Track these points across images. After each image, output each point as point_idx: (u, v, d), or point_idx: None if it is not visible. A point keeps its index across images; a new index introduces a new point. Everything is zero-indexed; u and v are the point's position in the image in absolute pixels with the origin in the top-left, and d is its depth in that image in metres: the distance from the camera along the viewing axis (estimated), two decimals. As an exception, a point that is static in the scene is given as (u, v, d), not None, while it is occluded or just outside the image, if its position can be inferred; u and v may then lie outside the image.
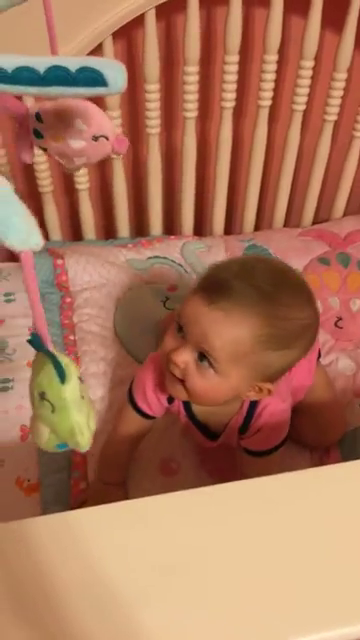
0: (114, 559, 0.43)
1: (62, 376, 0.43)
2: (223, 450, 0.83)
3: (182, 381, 0.62)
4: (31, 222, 0.35)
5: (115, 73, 0.42)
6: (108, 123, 0.53)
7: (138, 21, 0.92)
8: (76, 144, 0.52)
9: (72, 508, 0.72)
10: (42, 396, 0.44)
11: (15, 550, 0.44)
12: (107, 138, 0.53)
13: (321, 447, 0.84)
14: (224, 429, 0.72)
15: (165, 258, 1.13)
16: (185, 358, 0.61)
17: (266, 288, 0.59)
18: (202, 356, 0.60)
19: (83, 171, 1.07)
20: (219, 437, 0.74)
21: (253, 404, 0.69)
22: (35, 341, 0.43)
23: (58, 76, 0.41)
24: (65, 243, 1.16)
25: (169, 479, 0.79)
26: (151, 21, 0.92)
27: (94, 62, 0.42)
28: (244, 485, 0.51)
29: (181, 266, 1.12)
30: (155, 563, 0.43)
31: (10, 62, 0.40)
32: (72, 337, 0.96)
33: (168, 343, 0.63)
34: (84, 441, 0.40)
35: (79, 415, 0.39)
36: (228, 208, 1.21)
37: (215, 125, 1.10)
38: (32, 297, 0.37)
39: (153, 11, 0.91)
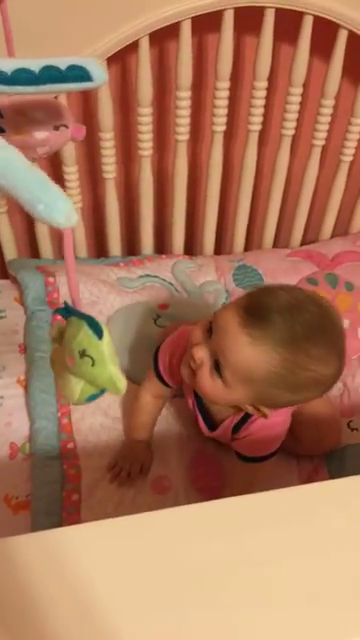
0: (103, 576, 0.43)
1: (100, 333, 0.54)
2: (214, 469, 0.83)
3: (194, 371, 0.66)
4: (70, 203, 0.42)
5: (97, 69, 0.49)
6: (67, 112, 0.59)
7: (132, 47, 0.94)
8: (40, 135, 0.57)
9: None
10: (82, 353, 0.54)
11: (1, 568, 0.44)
12: (67, 126, 0.58)
13: (313, 456, 0.85)
14: (222, 422, 0.76)
15: (156, 277, 1.14)
16: (202, 356, 0.65)
17: (300, 333, 0.60)
18: (217, 364, 0.64)
19: (75, 190, 1.08)
20: (218, 428, 0.77)
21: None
22: (70, 308, 0.54)
23: (51, 75, 0.47)
24: (57, 261, 1.17)
25: (161, 496, 0.79)
26: (145, 47, 0.94)
27: (78, 60, 0.48)
28: (234, 502, 0.51)
29: (172, 285, 1.13)
30: (145, 580, 0.43)
31: (7, 65, 0.45)
32: (63, 354, 0.97)
33: (196, 335, 0.67)
34: (122, 385, 0.50)
35: (115, 366, 0.48)
36: (218, 228, 1.23)
37: (206, 148, 1.12)
38: (69, 268, 0.47)
39: (147, 38, 0.93)
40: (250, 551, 0.46)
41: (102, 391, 0.54)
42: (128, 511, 0.75)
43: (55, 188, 0.44)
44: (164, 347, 0.79)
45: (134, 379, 0.94)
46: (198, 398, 0.77)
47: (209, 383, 0.65)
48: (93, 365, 0.54)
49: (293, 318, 0.60)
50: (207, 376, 0.65)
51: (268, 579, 0.44)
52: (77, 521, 0.73)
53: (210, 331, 0.65)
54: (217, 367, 0.64)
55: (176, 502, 0.79)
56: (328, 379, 0.64)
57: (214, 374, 0.64)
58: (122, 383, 0.50)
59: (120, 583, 0.43)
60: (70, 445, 0.83)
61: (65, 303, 0.56)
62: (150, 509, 0.75)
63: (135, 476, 0.80)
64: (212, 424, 0.78)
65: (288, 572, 0.45)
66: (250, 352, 0.60)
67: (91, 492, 0.78)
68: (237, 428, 0.73)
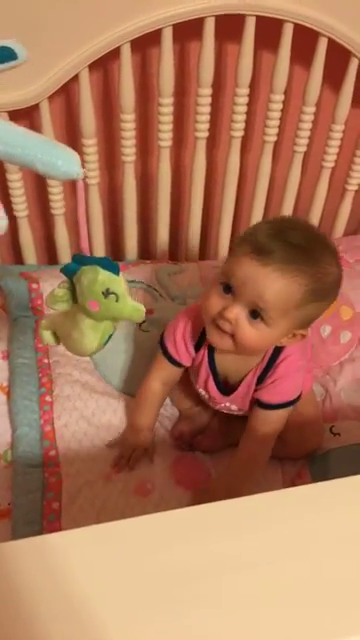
0: (88, 583, 0.43)
1: (117, 270, 0.65)
2: (198, 466, 0.83)
3: (230, 335, 0.70)
4: (77, 155, 0.52)
5: (20, 48, 0.57)
6: None
7: (114, 54, 0.95)
8: None
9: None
10: (107, 292, 0.65)
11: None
12: None
13: (296, 460, 0.86)
14: (242, 381, 0.79)
15: (140, 282, 1.14)
16: (236, 314, 0.68)
17: (305, 247, 0.67)
18: (254, 312, 0.68)
19: (58, 196, 1.08)
20: (233, 392, 0.80)
21: (274, 356, 0.77)
22: (83, 257, 0.63)
23: None
24: (40, 267, 1.17)
25: (144, 499, 0.79)
26: (126, 54, 0.95)
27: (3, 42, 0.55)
28: (218, 506, 0.52)
29: (156, 290, 1.13)
30: (130, 586, 0.44)
31: None
32: (46, 360, 0.96)
33: (216, 302, 0.70)
34: (143, 310, 0.63)
35: (131, 296, 0.61)
36: (202, 234, 1.23)
37: (189, 154, 1.13)
38: (80, 219, 0.56)
39: (128, 45, 0.94)
40: (237, 554, 0.46)
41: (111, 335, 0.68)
42: (110, 517, 0.75)
43: (63, 146, 0.53)
44: (169, 333, 0.82)
45: (115, 385, 0.94)
46: (213, 364, 0.80)
47: (252, 333, 0.69)
48: (117, 300, 0.65)
49: (293, 238, 0.67)
50: (248, 328, 0.69)
51: (254, 581, 0.45)
52: (57, 529, 0.73)
53: (226, 291, 0.69)
54: (254, 316, 0.68)
55: (160, 503, 0.79)
56: (339, 275, 0.71)
57: (254, 323, 0.68)
58: (143, 309, 0.63)
59: (110, 588, 0.43)
60: (52, 452, 0.83)
61: (75, 255, 0.66)
62: (133, 513, 0.76)
63: (137, 462, 0.83)
64: (227, 391, 0.81)
65: (274, 574, 0.46)
66: (283, 283, 0.66)
67: (72, 500, 0.77)
68: (262, 378, 0.78)
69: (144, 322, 1.06)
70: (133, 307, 0.66)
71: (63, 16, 0.88)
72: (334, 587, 0.45)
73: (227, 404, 0.83)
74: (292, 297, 0.67)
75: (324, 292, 0.70)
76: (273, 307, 0.67)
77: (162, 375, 0.85)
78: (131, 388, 0.95)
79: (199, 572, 0.45)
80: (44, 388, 0.91)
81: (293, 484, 0.84)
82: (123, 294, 0.65)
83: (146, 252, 1.27)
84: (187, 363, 0.82)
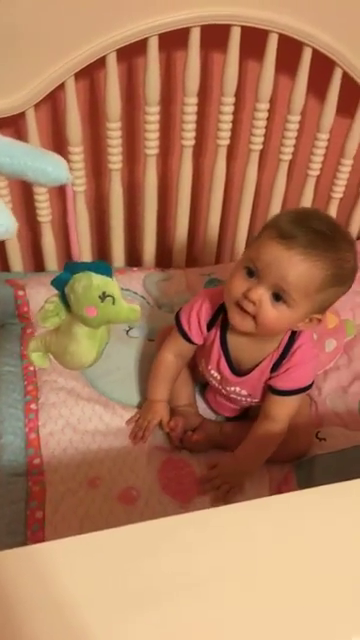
0: (74, 593, 0.43)
1: (110, 272, 0.68)
2: (185, 471, 0.83)
3: (252, 316, 0.73)
4: (63, 163, 0.56)
5: None
6: None
7: (100, 62, 0.95)
8: None
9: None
10: (103, 295, 0.67)
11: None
12: None
13: (284, 464, 0.87)
14: (255, 367, 0.82)
15: (127, 290, 1.14)
16: (260, 295, 0.72)
17: (328, 234, 0.71)
18: (277, 295, 0.72)
19: (45, 204, 1.08)
20: (247, 374, 0.83)
21: (290, 343, 0.80)
22: (75, 265, 0.66)
23: None
24: (27, 274, 1.17)
25: (129, 507, 0.79)
26: (112, 63, 0.95)
27: None
28: (205, 514, 0.52)
29: (143, 298, 1.14)
30: (117, 595, 0.44)
31: None
32: (32, 368, 0.96)
33: (240, 284, 0.74)
34: (139, 310, 0.66)
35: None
36: (189, 241, 1.24)
37: (176, 162, 1.13)
38: (70, 225, 0.61)
39: (114, 54, 0.94)
40: (222, 563, 0.47)
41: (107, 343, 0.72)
42: (94, 525, 0.74)
43: (49, 152, 0.57)
44: (185, 310, 0.86)
45: (108, 390, 0.94)
46: (225, 345, 0.83)
47: (274, 314, 0.73)
48: (114, 303, 0.67)
49: (317, 225, 0.71)
50: (270, 309, 0.72)
51: (242, 590, 0.45)
52: (41, 539, 0.72)
53: (250, 274, 0.73)
54: (277, 298, 0.72)
55: (145, 510, 0.79)
56: (357, 264, 0.75)
57: (276, 305, 0.72)
58: (139, 309, 0.66)
59: (96, 598, 0.43)
60: (37, 461, 0.82)
61: (66, 264, 0.69)
62: (118, 520, 0.76)
63: (151, 432, 0.87)
64: (240, 373, 0.84)
65: (259, 582, 0.46)
66: (306, 266, 0.70)
67: (55, 508, 0.77)
68: (277, 364, 0.81)
69: (131, 329, 1.06)
70: (129, 308, 0.68)
71: (49, 25, 0.89)
72: (325, 595, 0.46)
73: (238, 388, 0.86)
74: (314, 280, 0.71)
75: (343, 278, 0.73)
76: (296, 289, 0.71)
77: (175, 348, 0.89)
78: (119, 394, 0.95)
79: (187, 580, 0.45)
80: (29, 396, 0.91)
81: (279, 489, 0.85)
82: (119, 296, 0.67)
83: (133, 259, 1.27)
84: (198, 341, 0.86)
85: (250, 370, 0.83)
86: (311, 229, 0.71)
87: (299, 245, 0.70)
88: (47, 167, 0.56)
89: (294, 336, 0.80)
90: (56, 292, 0.72)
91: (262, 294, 0.72)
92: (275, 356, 0.81)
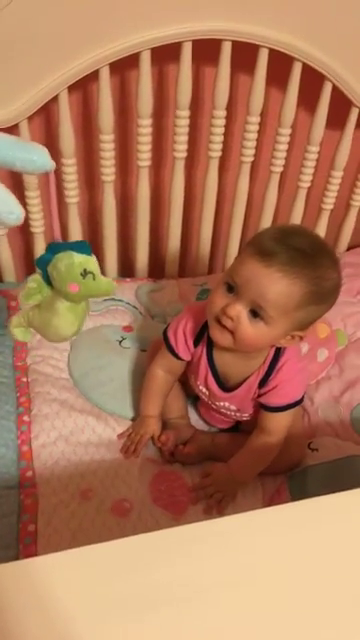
0: (70, 607, 0.43)
1: (90, 250, 0.75)
2: (177, 484, 0.83)
3: (230, 331, 0.73)
4: (46, 152, 0.62)
5: None
6: None
7: (93, 75, 0.96)
8: None
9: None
10: (85, 272, 0.75)
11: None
12: None
13: (276, 475, 0.87)
14: (242, 383, 0.82)
15: (120, 300, 1.15)
16: (238, 311, 0.72)
17: (308, 252, 0.71)
18: (254, 312, 0.72)
19: (38, 215, 1.08)
20: (234, 390, 0.83)
21: (274, 360, 0.80)
22: (57, 245, 0.72)
23: None
24: (19, 284, 1.16)
25: (122, 519, 0.79)
26: (105, 77, 0.96)
27: None
28: (201, 527, 0.52)
29: (136, 308, 1.14)
30: (112, 609, 0.44)
31: None
32: (25, 379, 0.96)
33: (219, 300, 0.74)
34: (114, 283, 0.75)
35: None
36: (182, 252, 1.25)
37: (169, 173, 1.14)
38: (53, 210, 0.70)
39: (107, 68, 0.95)
40: (215, 574, 0.47)
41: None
42: (86, 537, 0.74)
43: (32, 142, 0.62)
44: (172, 326, 0.86)
45: (101, 401, 0.94)
46: (211, 361, 0.83)
47: (252, 331, 0.72)
48: (94, 279, 0.75)
49: (297, 243, 0.71)
50: (248, 326, 0.72)
51: (237, 601, 0.45)
52: (34, 552, 0.72)
53: (229, 290, 0.73)
54: (255, 314, 0.72)
55: (138, 523, 0.78)
56: (339, 282, 0.75)
57: (254, 321, 0.72)
58: (114, 283, 0.75)
59: (89, 612, 0.43)
60: (29, 473, 0.82)
61: (49, 245, 0.75)
62: (110, 533, 0.75)
63: (143, 446, 0.88)
64: (227, 388, 0.84)
65: (256, 595, 0.46)
66: (284, 284, 0.69)
67: (48, 521, 0.76)
68: (264, 381, 0.80)
69: (124, 339, 1.06)
70: (107, 282, 0.77)
71: (42, 38, 0.89)
72: (321, 606, 0.46)
73: (227, 403, 0.86)
74: (292, 298, 0.70)
75: (323, 296, 0.73)
76: (273, 306, 0.70)
77: (164, 363, 0.89)
78: (112, 406, 0.94)
79: (182, 593, 0.45)
80: (22, 408, 0.91)
81: (272, 501, 0.85)
82: (98, 272, 0.75)
83: (126, 270, 1.27)
84: (186, 357, 0.86)
85: (237, 386, 0.83)
86: (291, 247, 0.70)
87: (278, 262, 0.69)
88: (33, 156, 0.62)
89: (279, 352, 0.80)
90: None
91: (240, 310, 0.72)
92: (262, 372, 0.81)
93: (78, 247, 0.77)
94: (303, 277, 0.69)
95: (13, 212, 0.60)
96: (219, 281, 0.76)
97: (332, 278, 0.73)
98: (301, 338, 0.77)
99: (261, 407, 0.82)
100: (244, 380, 0.82)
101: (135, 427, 0.90)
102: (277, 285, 0.69)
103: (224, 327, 0.74)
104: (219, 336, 0.75)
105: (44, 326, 0.82)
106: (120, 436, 0.90)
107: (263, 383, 0.81)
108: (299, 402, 0.82)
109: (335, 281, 0.74)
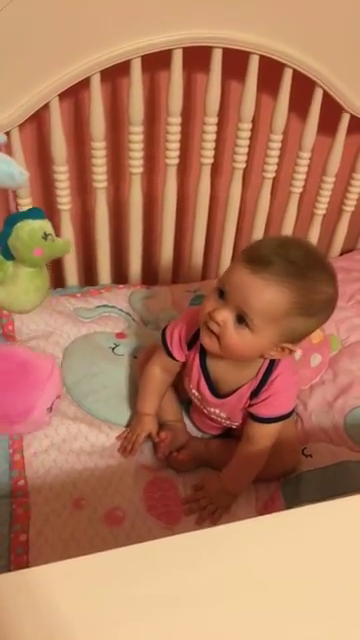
0: (64, 617, 0.43)
1: (43, 214, 0.85)
2: (170, 493, 0.83)
3: (217, 337, 0.73)
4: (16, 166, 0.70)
5: None
6: None
7: (85, 83, 0.96)
8: None
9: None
10: (45, 235, 0.83)
11: None
12: None
13: (270, 482, 0.87)
14: (234, 391, 0.82)
15: (113, 307, 1.14)
16: (224, 317, 0.72)
17: (300, 263, 0.70)
18: (240, 318, 0.71)
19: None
20: (226, 397, 0.83)
21: (268, 372, 0.79)
22: (16, 215, 0.80)
23: None
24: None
25: (115, 528, 0.78)
26: (96, 84, 0.96)
27: None
28: (190, 537, 0.52)
29: (129, 315, 1.14)
30: (107, 619, 0.43)
31: None
32: (17, 387, 0.95)
33: (209, 304, 0.74)
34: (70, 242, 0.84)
35: None
36: (175, 258, 1.25)
37: (161, 180, 1.14)
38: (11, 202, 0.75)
39: (98, 75, 0.95)
40: (211, 583, 0.47)
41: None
42: (79, 547, 0.74)
43: (9, 158, 0.69)
44: (170, 327, 0.87)
45: (94, 409, 0.94)
46: (204, 366, 0.83)
47: (236, 338, 0.72)
48: (53, 240, 0.84)
49: (290, 254, 0.70)
50: (233, 332, 0.72)
51: (234, 609, 0.45)
52: (25, 562, 0.71)
53: (221, 295, 0.73)
54: (240, 320, 0.71)
55: (131, 532, 0.78)
56: (334, 297, 0.73)
57: (239, 328, 0.72)
58: (69, 241, 0.83)
59: (84, 622, 0.43)
60: (21, 482, 0.81)
61: (6, 218, 0.81)
62: (103, 542, 0.75)
63: (140, 444, 0.88)
64: (219, 395, 0.84)
65: (253, 603, 0.46)
66: (269, 292, 0.69)
67: (40, 530, 0.76)
68: (256, 392, 0.80)
69: (117, 346, 1.06)
70: (65, 241, 0.86)
71: (33, 46, 0.89)
72: (316, 615, 0.46)
73: (217, 410, 0.86)
74: (277, 307, 0.70)
75: (311, 308, 0.71)
76: (257, 314, 0.70)
77: (160, 362, 0.89)
78: (105, 413, 0.94)
79: (176, 602, 0.45)
80: (14, 416, 0.90)
81: (266, 508, 0.84)
82: (53, 233, 0.84)
83: (119, 276, 1.27)
84: (180, 358, 0.87)
85: (230, 393, 0.83)
86: (283, 257, 0.69)
87: (265, 270, 0.69)
88: (14, 172, 0.68)
89: (273, 364, 0.79)
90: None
91: (226, 315, 0.72)
92: (254, 384, 0.80)
93: (33, 214, 0.84)
94: (291, 287, 0.69)
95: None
96: (213, 287, 0.76)
97: (324, 292, 0.71)
98: (291, 352, 0.76)
99: (250, 416, 0.82)
100: (237, 389, 0.82)
101: (132, 426, 0.91)
102: (262, 293, 0.69)
103: (212, 332, 0.74)
104: (207, 341, 0.75)
105: (13, 300, 0.87)
106: (118, 437, 0.90)
107: (255, 394, 0.81)
108: (288, 415, 0.81)
109: (328, 295, 0.72)
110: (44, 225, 0.84)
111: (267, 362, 0.79)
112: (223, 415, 0.86)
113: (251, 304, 0.70)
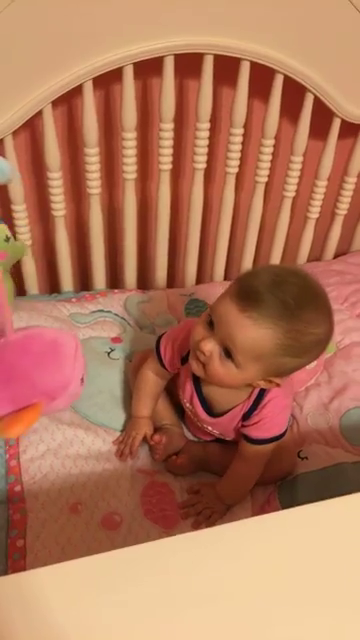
0: (63, 621, 0.43)
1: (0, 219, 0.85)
2: (167, 498, 0.83)
3: (204, 364, 0.73)
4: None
5: None
6: None
7: (77, 90, 0.97)
8: None
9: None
10: (7, 238, 0.83)
11: None
12: None
13: (266, 485, 0.87)
14: (227, 412, 0.81)
15: (109, 312, 1.15)
16: (211, 348, 0.71)
17: (291, 303, 0.67)
18: (226, 351, 0.70)
19: (25, 228, 1.09)
20: (219, 417, 0.83)
21: (260, 396, 0.79)
22: None
23: None
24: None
25: (112, 532, 0.78)
26: (89, 91, 0.97)
27: None
28: (187, 538, 0.52)
29: (124, 319, 1.14)
30: (105, 620, 0.43)
31: None
32: (13, 393, 0.95)
33: (198, 332, 0.73)
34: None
35: None
36: (170, 263, 1.25)
37: (155, 185, 1.15)
38: None
39: (90, 82, 0.96)
40: (208, 584, 0.47)
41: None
42: (76, 551, 0.74)
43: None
44: (166, 337, 0.86)
45: (90, 413, 0.94)
46: (198, 385, 0.83)
47: (222, 370, 0.71)
48: (13, 242, 0.84)
49: (282, 292, 0.67)
50: (218, 364, 0.71)
51: (221, 614, 0.45)
52: (22, 567, 0.71)
53: (211, 324, 0.71)
54: (227, 353, 0.70)
55: (128, 536, 0.78)
56: (326, 337, 0.72)
57: (225, 360, 0.71)
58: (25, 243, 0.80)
59: (81, 625, 0.43)
60: (17, 488, 0.81)
61: None
62: (100, 546, 0.75)
63: (137, 447, 0.88)
64: (212, 414, 0.84)
65: (245, 605, 0.46)
66: (255, 332, 0.67)
67: (37, 536, 0.76)
68: (248, 415, 0.80)
69: (113, 350, 1.06)
70: (21, 243, 0.87)
71: (25, 53, 0.90)
72: (311, 615, 0.46)
73: (209, 428, 0.86)
74: (261, 347, 0.68)
75: (299, 350, 0.70)
76: (241, 352, 0.69)
77: (153, 367, 0.89)
78: (101, 417, 0.94)
79: (172, 605, 0.45)
80: (10, 422, 0.90)
81: (262, 510, 0.84)
82: (10, 236, 0.84)
83: (114, 281, 1.28)
84: (171, 370, 0.87)
85: (222, 413, 0.83)
86: (274, 296, 0.66)
87: (254, 310, 0.66)
88: (4, 166, 0.68)
89: (264, 389, 0.78)
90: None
91: (212, 347, 0.71)
92: (246, 406, 0.80)
93: None
94: (277, 329, 0.67)
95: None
96: (205, 313, 0.74)
97: (314, 333, 0.69)
98: (278, 385, 0.75)
99: (242, 436, 0.82)
100: (229, 409, 0.82)
101: (127, 429, 0.91)
102: (246, 332, 0.67)
103: (199, 359, 0.73)
104: (195, 366, 0.75)
105: None
106: (114, 442, 0.90)
107: (247, 417, 0.80)
108: (280, 436, 0.81)
109: (318, 337, 0.70)
110: (3, 229, 0.83)
111: (258, 388, 0.78)
112: (216, 432, 0.87)
113: (236, 342, 0.68)
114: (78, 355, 0.81)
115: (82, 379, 0.82)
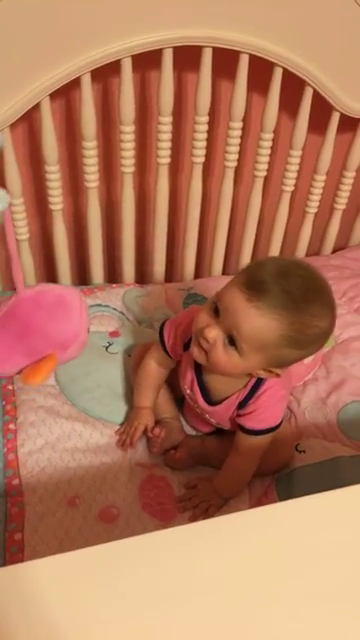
0: (59, 612, 0.43)
1: None
2: (165, 492, 0.83)
3: (206, 352, 0.73)
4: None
5: None
6: None
7: (75, 83, 0.96)
8: None
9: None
10: None
11: None
12: None
13: (264, 477, 0.87)
14: (224, 400, 0.82)
15: (107, 306, 1.15)
16: (215, 335, 0.72)
17: (297, 295, 0.68)
18: (230, 339, 0.71)
19: (22, 222, 1.08)
20: (216, 405, 0.83)
21: (257, 385, 0.79)
22: None
23: None
24: (5, 292, 1.16)
25: (109, 525, 0.78)
26: (87, 84, 0.97)
27: None
28: (184, 530, 0.52)
29: (122, 313, 1.14)
30: (103, 612, 0.44)
31: None
32: (10, 387, 0.95)
33: (203, 319, 0.74)
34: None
35: None
36: (168, 257, 1.25)
37: (153, 179, 1.14)
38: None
39: (88, 75, 0.95)
40: (205, 576, 0.47)
41: None
42: (74, 545, 0.74)
43: None
44: (170, 323, 0.87)
45: (88, 407, 0.94)
46: (199, 371, 0.83)
47: (224, 358, 0.72)
48: None
49: (289, 284, 0.68)
50: (222, 352, 0.72)
51: (218, 605, 0.45)
52: (20, 561, 0.71)
53: (216, 311, 0.72)
54: (230, 341, 0.71)
55: (126, 529, 0.78)
56: (328, 330, 0.73)
57: (228, 348, 0.71)
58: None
59: (78, 617, 0.43)
60: (15, 482, 0.81)
61: None
62: (98, 539, 0.75)
63: (138, 437, 0.88)
64: (210, 402, 0.84)
65: (243, 597, 0.46)
66: (261, 322, 0.68)
67: (35, 529, 0.76)
68: (243, 403, 0.80)
69: (111, 344, 1.06)
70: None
71: (23, 46, 0.90)
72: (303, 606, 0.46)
73: (207, 415, 0.86)
74: (266, 337, 0.69)
75: (302, 342, 0.71)
76: (246, 340, 0.70)
77: (156, 357, 0.90)
78: (99, 411, 0.94)
79: (170, 596, 0.45)
80: (8, 416, 0.90)
81: (260, 502, 0.85)
82: None
83: (112, 276, 1.27)
84: (174, 357, 0.87)
85: (220, 402, 0.83)
86: (280, 287, 0.68)
87: (259, 300, 0.68)
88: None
89: (261, 379, 0.79)
90: None
91: (217, 334, 0.72)
92: (242, 395, 0.81)
93: None
94: (282, 320, 0.68)
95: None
96: (209, 299, 0.75)
97: (317, 326, 0.70)
98: (278, 375, 0.76)
99: (238, 427, 0.83)
100: (226, 397, 0.82)
101: (129, 419, 0.91)
102: (252, 322, 0.68)
103: (201, 346, 0.74)
104: (196, 353, 0.76)
105: None
106: (116, 432, 0.91)
107: (242, 405, 0.81)
108: (275, 428, 0.81)
109: (321, 329, 0.71)
110: None
111: (255, 377, 0.79)
112: (213, 421, 0.87)
113: (241, 330, 0.69)
114: (83, 306, 0.85)
115: (87, 329, 0.86)
